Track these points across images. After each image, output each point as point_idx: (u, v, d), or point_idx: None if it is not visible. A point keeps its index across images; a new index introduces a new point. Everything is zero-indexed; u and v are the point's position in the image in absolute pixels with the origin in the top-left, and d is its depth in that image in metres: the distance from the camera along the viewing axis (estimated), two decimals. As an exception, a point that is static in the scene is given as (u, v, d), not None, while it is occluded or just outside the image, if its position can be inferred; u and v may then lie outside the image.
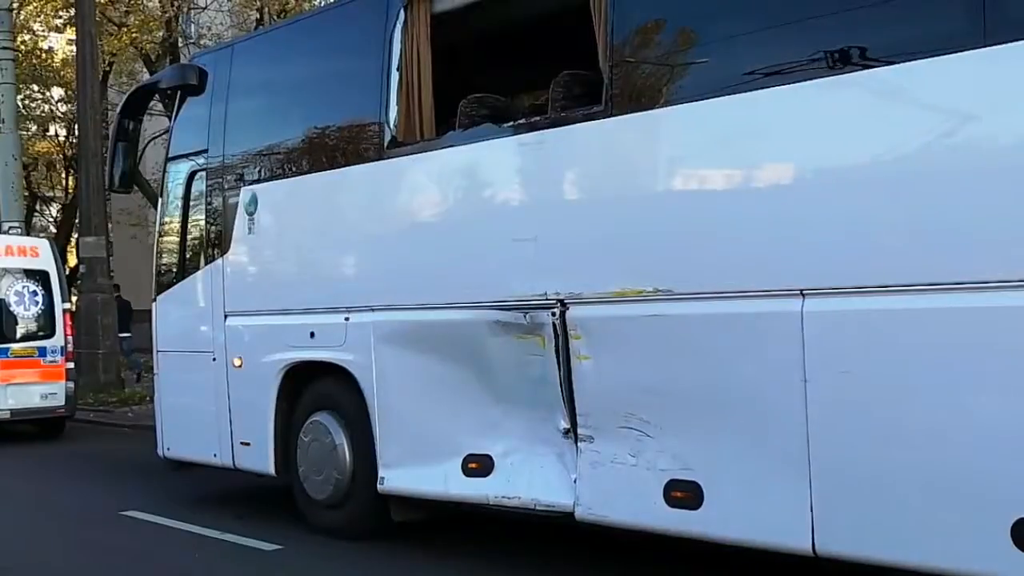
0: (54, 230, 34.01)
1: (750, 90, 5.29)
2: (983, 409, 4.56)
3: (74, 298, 18.42)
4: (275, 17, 20.37)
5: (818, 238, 5.06)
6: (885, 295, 4.82)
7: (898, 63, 4.79)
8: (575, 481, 6.16)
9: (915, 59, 4.72)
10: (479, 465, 6.72)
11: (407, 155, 7.20)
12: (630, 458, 5.85)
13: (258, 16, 21.46)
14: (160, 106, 17.73)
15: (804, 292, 5.07)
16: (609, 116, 5.95)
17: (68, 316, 15.27)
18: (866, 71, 4.90)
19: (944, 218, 4.64)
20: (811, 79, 5.05)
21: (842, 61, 4.97)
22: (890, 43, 4.87)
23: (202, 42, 22.15)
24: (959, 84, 4.65)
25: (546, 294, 6.18)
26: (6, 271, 14.87)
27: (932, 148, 4.75)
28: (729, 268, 5.40)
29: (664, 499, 5.67)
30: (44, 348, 14.81)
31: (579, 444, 6.15)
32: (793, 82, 5.11)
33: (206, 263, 8.89)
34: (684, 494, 5.58)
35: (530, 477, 6.46)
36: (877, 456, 4.86)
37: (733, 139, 5.44)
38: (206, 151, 8.90)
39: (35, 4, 26.25)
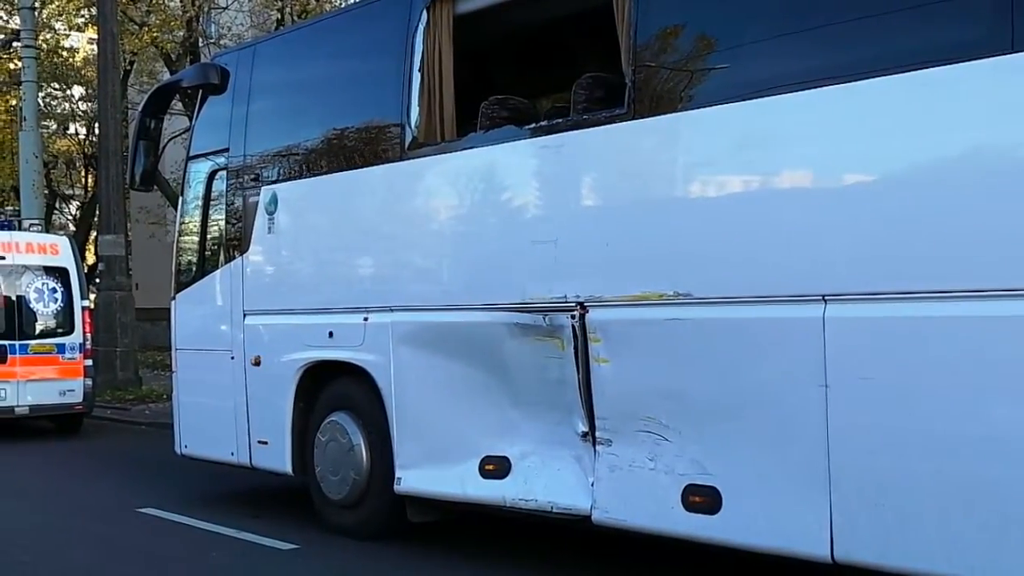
0: (73, 228, 34.15)
1: (774, 94, 5.28)
2: (1007, 417, 4.52)
3: (92, 295, 18.48)
4: (296, 17, 20.40)
5: (841, 243, 5.04)
6: (908, 301, 4.80)
7: (923, 68, 4.76)
8: (592, 484, 6.15)
9: (941, 64, 4.70)
10: (496, 467, 6.71)
11: (428, 156, 7.20)
12: (648, 462, 5.83)
13: (278, 16, 21.48)
14: (180, 105, 17.87)
15: (826, 297, 5.05)
16: (631, 119, 5.94)
17: (87, 313, 15.34)
18: (890, 76, 4.86)
19: (969, 224, 4.61)
20: (836, 83, 5.03)
21: (867, 66, 4.95)
22: (915, 48, 4.85)
23: (222, 42, 22.18)
24: (986, 90, 4.61)
25: (566, 297, 6.17)
26: (26, 268, 14.93)
27: (957, 154, 4.73)
28: (750, 273, 5.38)
29: (682, 504, 5.65)
30: (63, 345, 14.87)
31: (597, 447, 6.13)
32: (817, 86, 5.09)
33: (225, 262, 8.90)
34: (702, 499, 5.56)
35: (547, 480, 6.45)
36: (898, 463, 4.83)
37: (756, 143, 5.42)
38: (227, 150, 8.92)
39: (57, 3, 26.38)
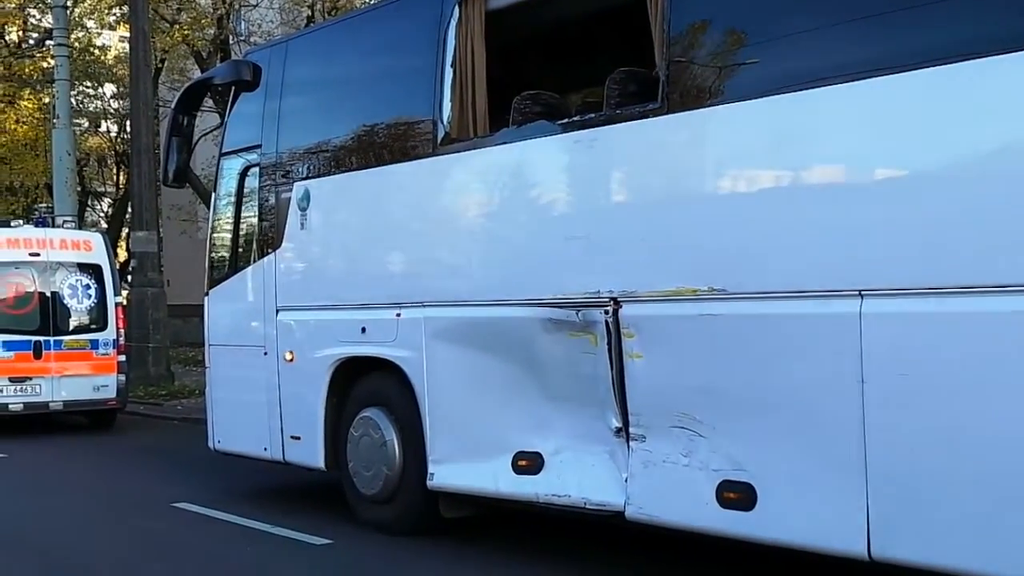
0: (105, 225, 34.39)
1: (809, 88, 5.24)
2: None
3: (124, 292, 18.60)
4: (326, 14, 20.45)
5: (877, 238, 4.99)
6: (946, 296, 4.75)
7: (962, 61, 4.71)
8: (626, 480, 6.13)
9: (981, 56, 4.64)
10: (529, 463, 6.71)
11: (460, 152, 7.20)
12: (682, 458, 5.81)
13: (309, 13, 21.55)
14: (211, 102, 17.95)
15: (863, 293, 5.00)
16: (665, 113, 5.91)
17: (120, 309, 15.46)
18: (930, 68, 4.81)
19: (1011, 217, 4.54)
20: (874, 76, 4.98)
21: (906, 58, 4.90)
22: (954, 40, 4.80)
23: (252, 39, 22.27)
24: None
25: (599, 292, 6.16)
26: (60, 265, 15.05)
27: (999, 147, 4.67)
28: (785, 268, 5.35)
29: (716, 500, 5.62)
30: (97, 341, 14.99)
31: (631, 443, 6.11)
32: (855, 79, 5.05)
33: (258, 258, 8.93)
34: (737, 495, 5.53)
35: (580, 476, 6.44)
36: (937, 460, 4.78)
37: (791, 137, 5.39)
38: (259, 147, 8.95)
39: (89, 1, 26.61)
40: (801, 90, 5.27)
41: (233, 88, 9.43)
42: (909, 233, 4.88)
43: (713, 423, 5.67)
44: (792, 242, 5.32)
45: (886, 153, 5.03)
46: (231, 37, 23.21)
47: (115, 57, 29.26)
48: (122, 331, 15.38)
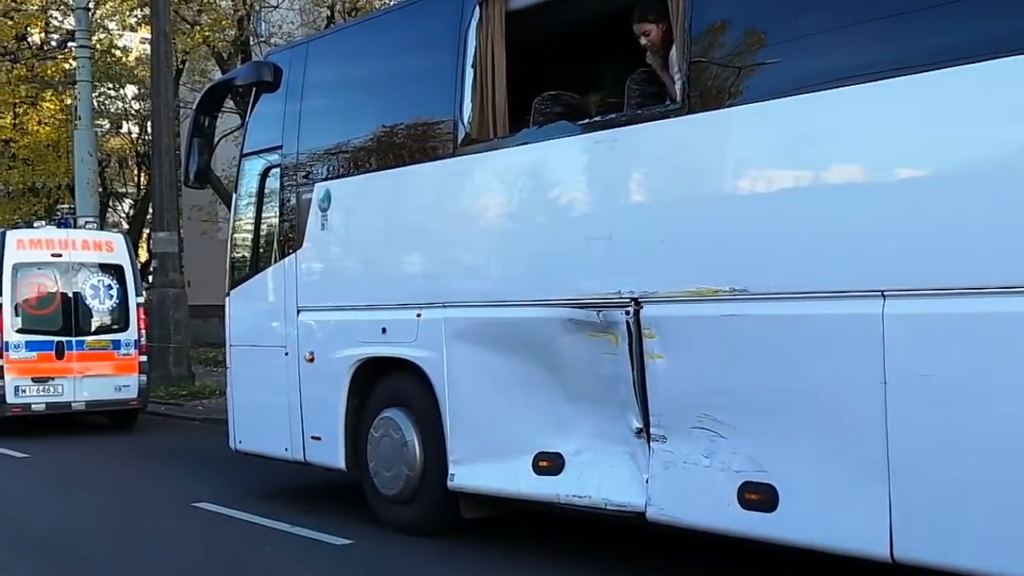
0: (126, 226, 34.55)
1: (831, 87, 5.21)
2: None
3: (145, 292, 18.69)
4: (346, 15, 20.48)
5: (900, 238, 4.96)
6: (968, 297, 4.72)
7: (988, 60, 4.67)
8: (647, 481, 6.11)
9: (1007, 55, 4.60)
10: (550, 463, 6.70)
11: (481, 152, 7.20)
12: (703, 459, 5.79)
13: (328, 14, 21.59)
14: (232, 104, 18.01)
15: (885, 293, 4.98)
16: (686, 114, 5.90)
17: (141, 310, 15.53)
18: (954, 67, 4.78)
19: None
20: (895, 76, 4.96)
21: (927, 58, 4.88)
22: (978, 39, 4.77)
23: (273, 40, 22.32)
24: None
25: (620, 293, 6.15)
26: (82, 265, 15.13)
27: (1021, 146, 4.63)
28: (807, 268, 5.32)
29: (738, 501, 5.60)
30: (118, 341, 15.06)
31: (652, 444, 6.10)
32: (878, 79, 5.02)
33: (279, 258, 8.95)
34: (758, 496, 5.51)
35: (601, 476, 6.42)
36: (961, 461, 4.75)
37: (812, 136, 5.36)
38: (280, 147, 8.97)
39: (111, 3, 26.71)
40: (822, 90, 5.25)
41: (254, 89, 9.46)
42: (932, 233, 4.86)
43: (734, 424, 5.65)
44: (813, 242, 5.29)
45: (908, 152, 5.01)
46: (251, 38, 23.28)
47: (136, 58, 29.40)
48: (143, 331, 15.45)
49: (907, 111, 5.00)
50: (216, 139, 11.45)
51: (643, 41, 6.49)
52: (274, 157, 9.08)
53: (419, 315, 7.50)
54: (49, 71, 26.78)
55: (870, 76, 5.06)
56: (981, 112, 4.77)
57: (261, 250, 9.37)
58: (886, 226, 5.03)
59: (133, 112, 31.31)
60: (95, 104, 24.29)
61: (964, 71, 4.76)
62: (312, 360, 8.47)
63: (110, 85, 29.51)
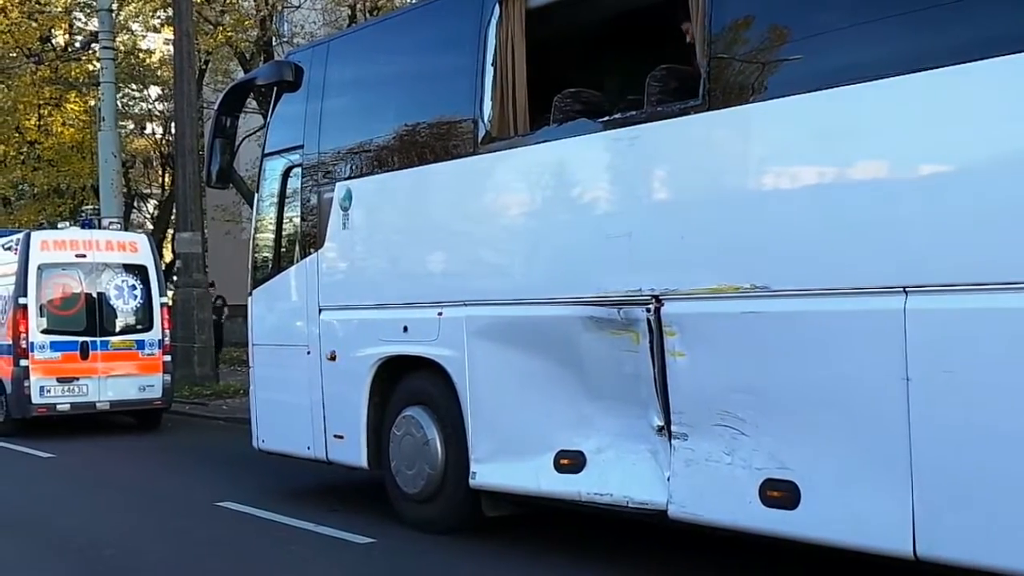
0: (151, 226, 34.73)
1: (852, 83, 5.18)
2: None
3: (169, 292, 18.79)
4: (367, 14, 20.52)
5: (922, 234, 4.94)
6: (991, 293, 4.69)
7: (1012, 55, 4.63)
8: (668, 479, 6.10)
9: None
10: (571, 461, 6.69)
11: (501, 150, 7.20)
12: (725, 456, 5.77)
13: (350, 13, 21.64)
14: (254, 104, 18.07)
15: (907, 289, 4.95)
16: (707, 110, 5.88)
17: (165, 310, 15.62)
18: (977, 63, 4.74)
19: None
20: (918, 72, 4.93)
21: (950, 53, 4.84)
22: (1002, 35, 4.72)
23: (295, 40, 22.39)
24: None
25: (640, 290, 6.13)
26: (106, 266, 15.23)
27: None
28: (829, 265, 5.30)
29: (760, 498, 5.58)
30: (142, 341, 15.16)
31: (673, 441, 6.08)
32: (898, 75, 4.99)
33: (301, 258, 8.97)
34: (780, 494, 5.49)
35: (622, 474, 6.42)
36: (984, 458, 4.72)
37: (834, 133, 5.34)
38: (302, 147, 8.99)
39: (134, 4, 26.84)
40: (844, 86, 5.22)
41: (275, 89, 9.48)
42: (954, 229, 4.83)
43: (756, 421, 5.63)
44: (835, 239, 5.27)
45: (930, 149, 4.98)
46: (274, 38, 23.37)
47: (160, 59, 29.53)
48: (167, 331, 15.53)
49: (930, 107, 4.97)
50: (239, 139, 11.48)
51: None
52: (295, 157, 9.11)
53: (440, 314, 7.51)
54: (73, 72, 26.97)
55: (892, 72, 5.03)
56: (1005, 108, 4.73)
57: (283, 249, 9.40)
58: (908, 222, 5.00)
59: (157, 113, 31.45)
60: (119, 105, 24.45)
61: (989, 65, 4.72)
62: (334, 359, 8.49)
63: (134, 86, 29.65)
